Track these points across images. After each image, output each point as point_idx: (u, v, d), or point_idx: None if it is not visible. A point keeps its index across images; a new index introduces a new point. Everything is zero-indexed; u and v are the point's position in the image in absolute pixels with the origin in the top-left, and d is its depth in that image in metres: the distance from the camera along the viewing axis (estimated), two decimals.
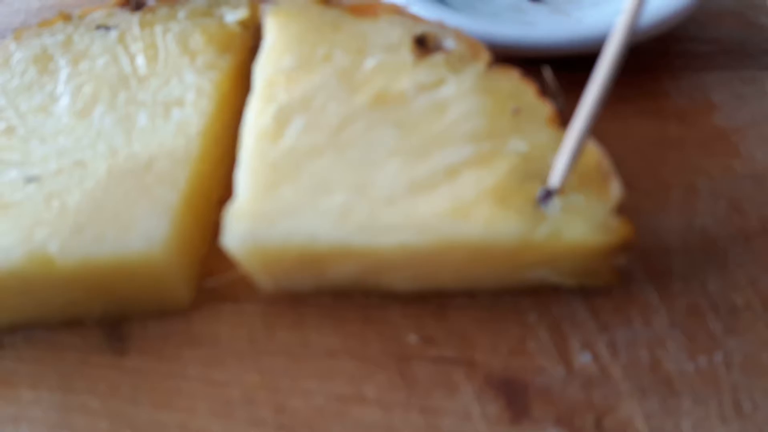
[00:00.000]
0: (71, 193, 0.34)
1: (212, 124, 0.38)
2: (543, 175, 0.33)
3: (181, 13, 0.44)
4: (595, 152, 0.33)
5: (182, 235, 0.34)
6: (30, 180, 0.35)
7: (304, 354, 0.35)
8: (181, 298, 0.35)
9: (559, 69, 0.42)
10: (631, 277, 0.36)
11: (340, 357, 0.34)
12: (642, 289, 0.36)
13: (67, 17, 0.44)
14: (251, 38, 0.45)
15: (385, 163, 0.34)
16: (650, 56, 0.48)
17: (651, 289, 0.36)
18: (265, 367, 0.34)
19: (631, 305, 0.35)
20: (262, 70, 0.38)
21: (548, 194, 0.32)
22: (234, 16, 0.43)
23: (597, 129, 0.34)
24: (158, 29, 0.42)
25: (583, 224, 0.31)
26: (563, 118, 0.36)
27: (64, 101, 0.38)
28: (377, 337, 0.35)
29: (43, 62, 0.41)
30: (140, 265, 0.32)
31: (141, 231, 0.32)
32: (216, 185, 0.38)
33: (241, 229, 0.32)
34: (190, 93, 0.38)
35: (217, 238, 0.34)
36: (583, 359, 0.34)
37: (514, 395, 0.33)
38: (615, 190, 0.32)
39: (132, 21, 0.43)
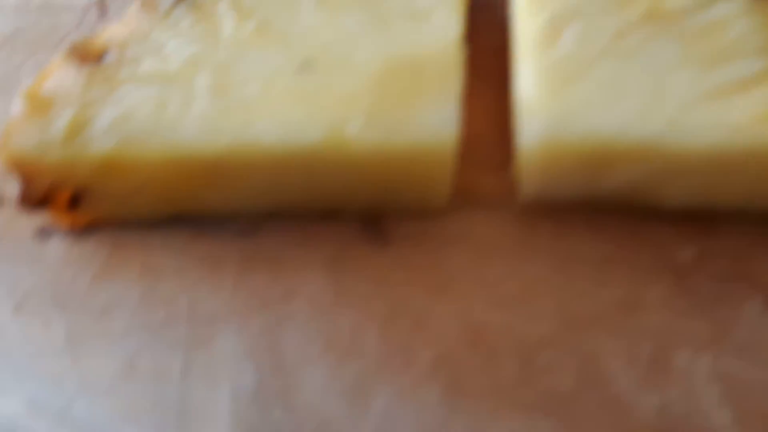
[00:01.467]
0: (350, 83, 0.33)
1: (461, 34, 0.37)
2: None
3: None
4: None
5: (456, 136, 0.33)
6: (302, 67, 0.34)
7: (574, 260, 0.34)
8: (442, 196, 0.34)
9: None
10: None
11: (611, 264, 0.33)
12: None
13: None
14: None
15: (673, 71, 0.33)
16: None
17: None
18: (534, 269, 0.33)
19: None
20: None
21: None
22: None
23: None
24: None
25: None
26: None
27: (312, 3, 0.38)
28: (649, 249, 0.34)
29: None
30: (432, 151, 0.32)
31: (436, 121, 0.32)
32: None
33: (538, 123, 0.32)
34: (439, 4, 0.38)
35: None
36: None
37: None
38: None
39: None
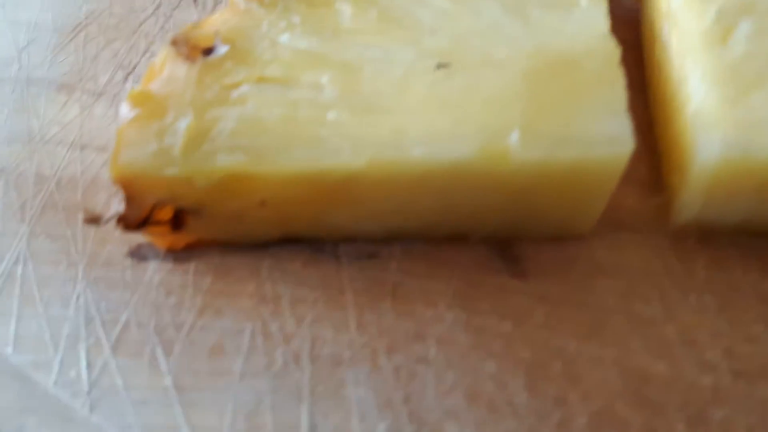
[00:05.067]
0: (497, 84, 0.29)
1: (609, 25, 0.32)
2: None
3: None
4: None
5: None
6: (440, 66, 0.29)
7: (737, 295, 0.30)
8: (586, 221, 0.30)
9: None
10: None
11: None
12: None
13: None
14: None
15: None
16: None
17: None
18: (694, 307, 0.29)
19: None
20: None
21: None
22: None
23: None
24: None
25: None
26: None
27: None
28: None
29: None
30: (602, 168, 0.27)
31: (607, 131, 0.27)
32: None
33: (722, 137, 0.27)
34: None
35: None
36: None
37: None
38: None
39: None
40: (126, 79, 0.39)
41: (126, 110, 0.28)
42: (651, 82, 0.35)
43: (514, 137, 0.27)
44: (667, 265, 0.31)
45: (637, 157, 0.33)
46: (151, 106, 0.29)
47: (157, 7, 0.43)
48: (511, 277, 0.30)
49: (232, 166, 0.27)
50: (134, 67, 0.40)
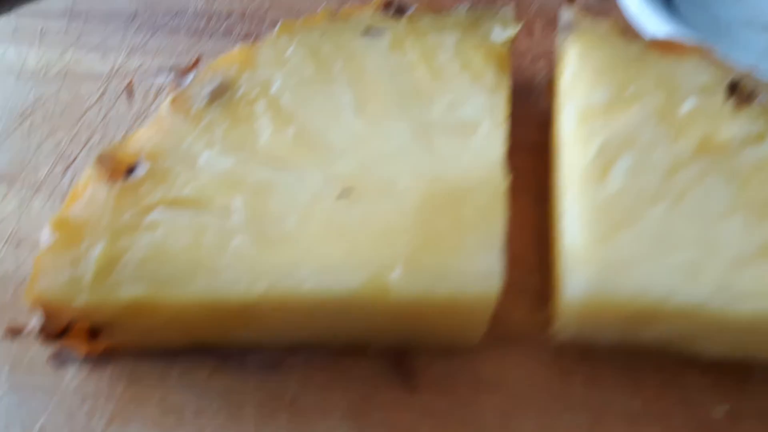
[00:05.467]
0: (391, 215, 0.31)
1: (504, 151, 0.35)
2: None
3: (447, 25, 0.41)
4: None
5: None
6: (342, 194, 0.32)
7: (609, 414, 0.32)
8: (474, 336, 0.33)
9: None
10: None
11: (646, 419, 0.32)
12: None
13: (331, 15, 0.41)
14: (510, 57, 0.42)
15: (726, 218, 0.32)
16: None
17: None
18: (568, 423, 0.32)
19: None
20: (572, 101, 0.35)
21: None
22: (503, 35, 0.41)
23: None
24: (430, 39, 0.40)
25: None
26: None
27: (351, 109, 0.36)
28: (680, 405, 0.33)
29: (319, 62, 0.38)
30: (474, 303, 0.30)
31: (480, 268, 0.30)
32: None
33: (584, 276, 0.30)
34: (483, 116, 0.36)
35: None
36: None
37: None
38: None
39: (400, 27, 0.40)
40: (65, 172, 0.41)
41: (46, 236, 0.31)
42: (550, 196, 0.38)
43: (396, 273, 0.29)
44: (547, 380, 0.33)
45: (531, 268, 0.36)
46: (68, 232, 0.31)
47: (101, 95, 0.45)
48: (404, 391, 0.33)
49: (134, 297, 0.29)
50: (74, 160, 0.42)
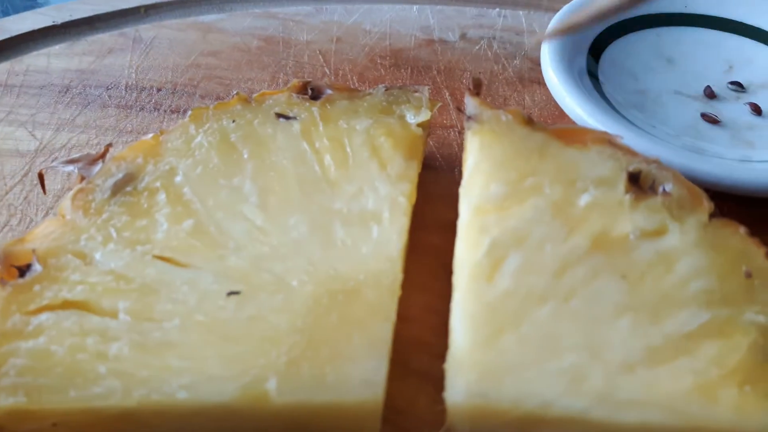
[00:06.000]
0: (278, 316, 0.32)
1: (405, 242, 0.35)
2: None
3: (361, 109, 0.41)
4: None
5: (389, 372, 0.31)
6: (231, 294, 0.32)
7: None
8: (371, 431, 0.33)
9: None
10: None
11: None
12: None
13: (244, 100, 0.41)
14: (426, 141, 0.42)
15: (614, 320, 0.31)
16: None
17: None
18: None
19: None
20: (469, 195, 0.36)
21: None
22: (417, 118, 0.41)
23: None
24: (342, 125, 0.40)
25: None
26: None
27: (254, 200, 0.36)
28: None
29: (226, 151, 0.38)
30: (357, 409, 0.30)
31: (361, 373, 0.30)
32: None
33: (465, 382, 0.30)
34: (385, 207, 0.36)
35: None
36: None
37: None
38: None
39: (313, 113, 0.41)
40: None
41: None
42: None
43: (273, 382, 0.30)
44: None
45: (437, 354, 0.35)
46: None
47: (25, 174, 0.46)
48: None
49: (12, 406, 0.30)
50: None
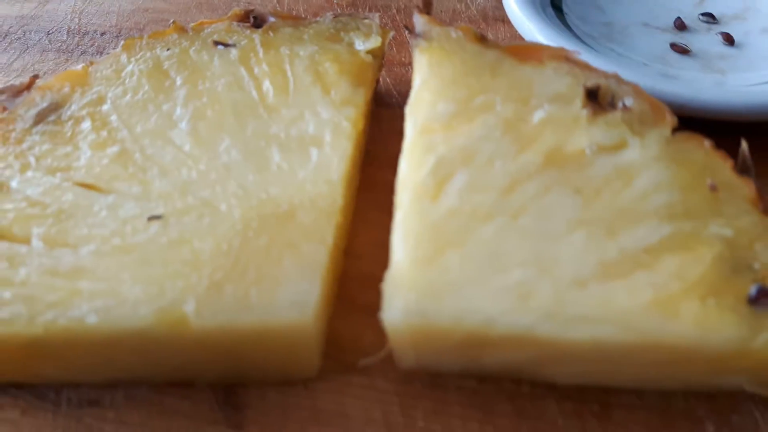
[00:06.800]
0: (203, 240, 0.29)
1: (351, 167, 0.33)
2: (752, 266, 0.28)
3: (307, 36, 0.39)
4: None
5: (326, 298, 0.29)
6: (152, 218, 0.30)
7: None
8: (310, 367, 0.30)
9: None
10: None
11: None
12: None
13: (181, 29, 0.39)
14: (378, 69, 0.40)
15: (566, 235, 0.29)
16: None
17: None
18: None
19: None
20: (414, 114, 0.33)
21: (764, 293, 0.27)
22: (366, 44, 0.38)
23: None
24: (284, 51, 0.37)
25: None
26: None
27: (184, 126, 0.34)
28: None
29: (158, 78, 0.36)
30: (286, 333, 0.28)
31: (290, 295, 0.27)
32: (347, 236, 0.33)
33: (403, 302, 0.27)
34: (327, 131, 0.34)
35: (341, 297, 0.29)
36: None
37: None
38: None
39: (254, 40, 0.38)
40: None
41: None
42: None
43: (191, 305, 0.27)
44: (387, 412, 0.31)
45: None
46: None
47: None
48: (228, 427, 0.30)
49: None
50: None
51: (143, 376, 0.30)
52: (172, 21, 0.39)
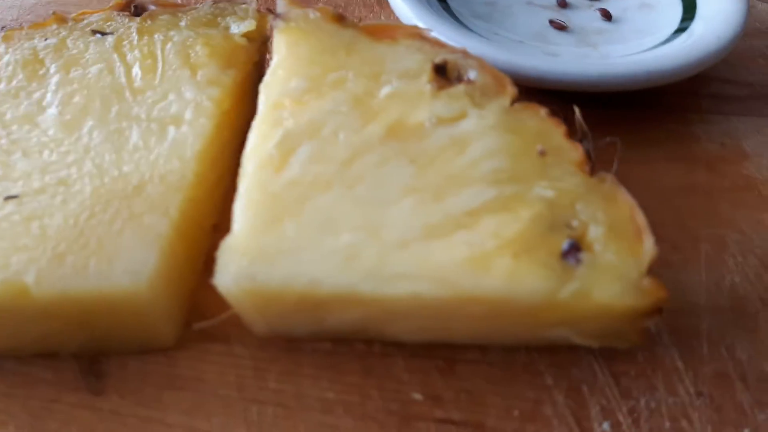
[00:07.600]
0: (53, 216, 0.31)
1: (210, 145, 0.35)
2: (570, 224, 0.30)
3: (183, 22, 0.41)
4: (628, 203, 0.30)
5: (172, 269, 0.31)
6: (9, 198, 0.31)
7: (298, 406, 0.32)
8: (166, 336, 0.32)
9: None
10: (656, 338, 0.33)
11: (336, 412, 0.31)
12: (667, 352, 0.33)
13: (61, 19, 0.40)
14: (257, 52, 0.41)
15: (397, 201, 0.31)
16: (679, 96, 0.46)
17: (676, 352, 0.33)
18: (252, 419, 0.31)
19: (656, 370, 0.33)
20: (268, 90, 0.35)
21: (575, 248, 0.29)
22: (240, 27, 0.40)
23: (624, 173, 0.32)
24: (158, 38, 0.39)
25: (613, 284, 0.28)
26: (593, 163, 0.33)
27: (52, 111, 0.35)
28: (378, 392, 0.32)
29: (33, 67, 0.38)
30: (124, 301, 0.29)
31: (126, 264, 0.29)
32: (211, 212, 0.35)
33: (236, 266, 0.29)
34: (188, 110, 0.35)
35: (209, 270, 0.30)
36: (602, 428, 0.30)
37: None
38: (648, 247, 0.29)
39: (130, 28, 0.40)
40: None
41: None
42: None
43: (32, 274, 0.29)
44: (241, 376, 0.33)
45: None
46: None
47: None
48: (90, 395, 0.32)
49: None
50: None
51: (6, 347, 0.32)
52: (52, 12, 0.40)
